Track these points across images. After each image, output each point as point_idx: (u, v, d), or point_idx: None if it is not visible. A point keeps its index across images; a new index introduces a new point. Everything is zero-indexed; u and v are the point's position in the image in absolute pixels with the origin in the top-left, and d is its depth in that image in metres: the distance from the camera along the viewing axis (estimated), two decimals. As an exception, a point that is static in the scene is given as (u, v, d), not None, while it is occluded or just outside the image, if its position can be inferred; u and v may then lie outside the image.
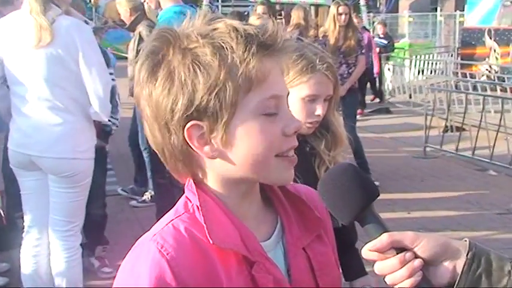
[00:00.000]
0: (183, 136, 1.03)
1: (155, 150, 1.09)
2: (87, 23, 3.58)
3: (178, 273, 1.00)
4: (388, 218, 5.44)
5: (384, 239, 0.99)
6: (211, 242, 1.01)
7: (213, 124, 1.02)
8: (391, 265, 0.98)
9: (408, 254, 0.98)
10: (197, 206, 1.06)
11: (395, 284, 0.98)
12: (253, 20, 5.77)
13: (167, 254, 1.00)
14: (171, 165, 1.08)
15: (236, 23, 1.04)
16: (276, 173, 1.07)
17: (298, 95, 1.99)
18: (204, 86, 1.00)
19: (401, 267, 0.97)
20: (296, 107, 1.99)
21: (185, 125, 1.02)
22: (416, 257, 0.98)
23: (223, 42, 1.01)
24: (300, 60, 1.99)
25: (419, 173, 7.44)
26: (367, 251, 1.01)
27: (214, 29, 1.03)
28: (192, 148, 1.04)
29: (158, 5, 4.50)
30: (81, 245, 3.59)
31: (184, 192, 1.12)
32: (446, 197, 6.44)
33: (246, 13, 9.12)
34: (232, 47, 1.01)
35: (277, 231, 1.13)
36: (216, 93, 1.00)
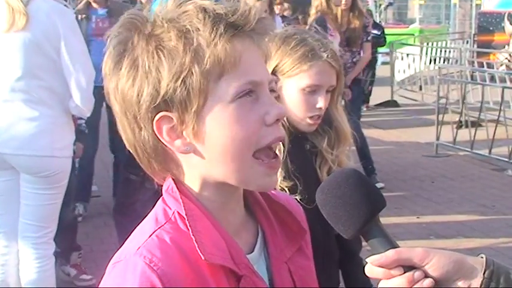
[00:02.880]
0: (153, 130, 1.04)
1: (128, 148, 1.10)
2: (66, 6, 3.57)
3: None
4: (395, 224, 5.48)
5: (390, 255, 0.99)
6: (203, 258, 1.02)
7: (183, 114, 1.03)
8: (397, 284, 0.99)
9: (417, 273, 0.98)
10: (179, 213, 1.06)
11: None
12: (251, 1, 5.77)
13: (157, 269, 1.00)
14: (145, 164, 1.10)
15: (207, 3, 1.05)
16: (255, 178, 1.07)
17: (298, 85, 1.98)
18: (169, 72, 1.01)
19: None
20: (295, 99, 1.99)
21: (154, 118, 1.04)
22: (426, 276, 0.98)
23: (190, 25, 1.02)
24: (300, 46, 1.98)
25: (430, 174, 7.48)
26: (371, 267, 1.01)
27: (184, 12, 1.04)
28: (163, 143, 1.05)
29: None
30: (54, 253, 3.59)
31: (159, 195, 1.12)
32: (459, 200, 6.48)
33: None
34: (198, 28, 1.02)
35: (259, 242, 1.15)
36: (182, 80, 1.01)
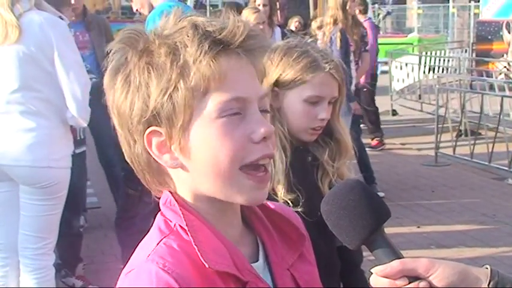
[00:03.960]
0: (144, 144, 1.08)
1: (128, 161, 1.13)
2: (61, 18, 3.59)
3: None
4: (396, 233, 5.48)
5: (395, 265, 1.00)
6: (207, 265, 1.04)
7: (171, 129, 1.06)
8: None
9: (422, 284, 0.99)
10: (180, 225, 1.08)
11: None
12: (247, 13, 5.75)
13: (171, 272, 1.02)
14: (141, 176, 1.13)
15: (201, 19, 1.08)
16: (243, 192, 1.07)
17: (300, 96, 2.00)
18: (157, 87, 1.04)
19: None
20: (297, 110, 2.00)
21: (145, 132, 1.07)
22: (431, 286, 0.99)
23: (179, 42, 1.05)
24: (302, 57, 1.99)
25: (430, 183, 7.48)
26: (376, 277, 1.02)
27: (180, 28, 1.07)
28: (153, 158, 1.09)
29: (151, 9, 4.54)
30: (54, 264, 3.59)
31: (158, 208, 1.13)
32: (459, 209, 6.48)
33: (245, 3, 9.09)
34: (186, 45, 1.04)
35: (261, 252, 1.17)
36: (169, 96, 1.04)
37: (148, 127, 1.06)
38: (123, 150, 1.12)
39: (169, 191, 1.12)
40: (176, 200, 1.10)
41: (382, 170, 7.63)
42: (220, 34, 1.05)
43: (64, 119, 3.36)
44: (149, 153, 1.08)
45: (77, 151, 3.53)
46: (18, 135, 3.26)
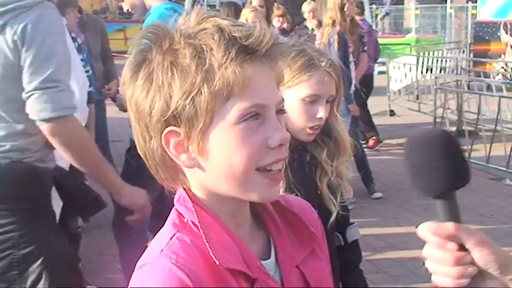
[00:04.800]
0: (161, 142, 1.09)
1: (140, 154, 1.15)
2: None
3: None
4: (394, 233, 5.48)
5: (450, 227, 0.99)
6: (217, 263, 1.05)
7: (190, 131, 1.07)
8: (442, 259, 0.99)
9: (466, 258, 0.99)
10: (192, 221, 1.10)
11: (435, 275, 0.99)
12: (246, 13, 5.77)
13: (184, 268, 1.04)
14: (153, 171, 1.15)
15: (226, 23, 1.08)
16: (257, 190, 1.10)
17: (298, 95, 2.01)
18: (180, 90, 1.05)
19: (452, 266, 0.98)
20: (295, 109, 2.01)
21: (163, 130, 1.08)
22: (473, 262, 0.98)
23: (204, 45, 1.06)
24: (299, 56, 2.00)
25: (428, 183, 7.47)
26: (424, 229, 1.01)
27: (203, 29, 1.07)
28: (169, 155, 1.10)
29: (143, 11, 4.53)
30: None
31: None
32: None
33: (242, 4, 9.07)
34: (212, 49, 1.05)
35: (273, 250, 1.18)
36: (191, 98, 1.05)
37: (166, 126, 1.08)
38: (137, 143, 1.14)
39: (183, 188, 1.14)
40: (189, 197, 1.12)
41: (380, 170, 7.63)
42: (246, 41, 1.06)
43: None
44: (165, 151, 1.10)
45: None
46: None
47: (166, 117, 1.07)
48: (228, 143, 1.06)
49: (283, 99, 1.13)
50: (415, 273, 4.90)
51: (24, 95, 2.35)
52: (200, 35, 1.06)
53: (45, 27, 2.37)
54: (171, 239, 1.09)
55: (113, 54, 6.42)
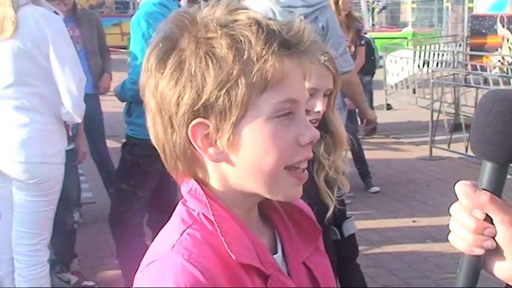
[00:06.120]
0: (187, 134, 1.05)
1: (155, 145, 1.11)
2: (56, 13, 3.58)
3: (213, 285, 1.01)
4: (391, 227, 5.48)
5: (484, 199, 0.95)
6: (233, 257, 1.03)
7: (220, 124, 1.03)
8: (465, 222, 0.97)
9: (488, 230, 0.96)
10: (203, 214, 1.07)
11: (452, 233, 0.98)
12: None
13: (197, 264, 1.01)
14: (170, 164, 1.10)
15: (259, 15, 1.05)
16: (283, 188, 1.08)
17: None
18: (215, 80, 1.01)
19: (472, 234, 0.96)
20: None
21: (190, 122, 1.04)
22: (493, 236, 0.96)
23: (242, 36, 1.02)
24: None
25: (425, 177, 7.49)
26: (461, 189, 0.97)
27: (235, 20, 1.04)
28: (195, 148, 1.06)
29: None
30: (49, 260, 3.58)
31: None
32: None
33: None
34: (250, 41, 1.02)
35: (279, 245, 1.17)
36: (226, 90, 1.01)
37: (194, 118, 1.04)
38: (152, 133, 1.10)
39: (196, 180, 1.10)
40: (203, 189, 1.09)
41: (377, 164, 7.64)
42: (287, 34, 1.04)
43: (58, 115, 3.34)
44: (189, 143, 1.06)
45: (66, 148, 3.51)
46: (12, 131, 3.25)
47: (195, 108, 1.03)
48: (260, 137, 1.04)
49: (308, 97, 1.13)
50: (413, 267, 4.91)
51: None
52: (234, 25, 1.03)
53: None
54: (181, 234, 1.05)
55: (110, 48, 6.39)
